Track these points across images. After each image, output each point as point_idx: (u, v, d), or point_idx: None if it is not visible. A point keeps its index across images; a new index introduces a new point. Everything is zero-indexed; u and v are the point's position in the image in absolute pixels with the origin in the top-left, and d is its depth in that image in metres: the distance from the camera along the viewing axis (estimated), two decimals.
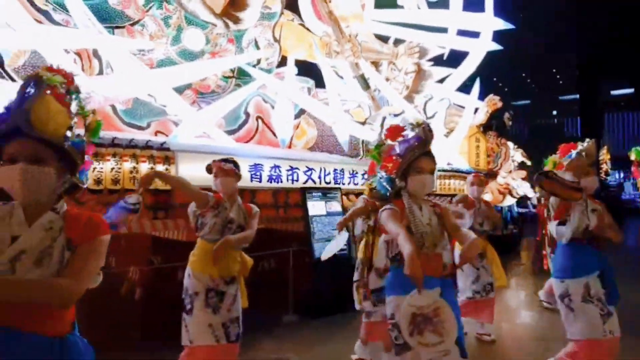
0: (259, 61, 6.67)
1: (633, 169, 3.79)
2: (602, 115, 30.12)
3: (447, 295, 2.13)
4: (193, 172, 4.45)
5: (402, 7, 7.11)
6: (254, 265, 3.24)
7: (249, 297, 3.18)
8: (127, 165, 4.18)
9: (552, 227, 3.15)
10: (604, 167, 21.23)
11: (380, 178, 2.40)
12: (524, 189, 11.10)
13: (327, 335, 4.63)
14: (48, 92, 1.40)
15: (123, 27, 5.60)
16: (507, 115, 11.79)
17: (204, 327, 2.82)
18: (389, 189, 2.36)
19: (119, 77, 4.87)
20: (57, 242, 1.38)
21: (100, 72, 5.19)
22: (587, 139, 3.48)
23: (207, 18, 6.12)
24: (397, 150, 2.31)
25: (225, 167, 3.15)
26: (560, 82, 29.82)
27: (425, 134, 2.28)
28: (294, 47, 7.00)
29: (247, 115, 6.04)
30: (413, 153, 2.25)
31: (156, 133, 5.42)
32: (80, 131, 1.54)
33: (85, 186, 1.56)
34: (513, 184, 10.68)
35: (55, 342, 1.32)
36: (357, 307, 3.84)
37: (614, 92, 29.90)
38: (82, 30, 4.63)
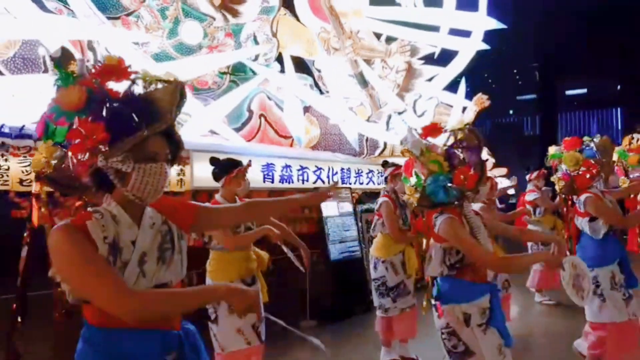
0: (256, 57, 6.45)
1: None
2: (557, 115, 31.58)
3: (495, 300, 2.21)
4: (208, 172, 4.22)
5: (399, 4, 7.05)
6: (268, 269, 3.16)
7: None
8: None
9: (582, 223, 3.21)
10: None
11: (444, 186, 2.20)
12: (503, 185, 11.38)
13: (348, 338, 4.52)
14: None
15: (117, 18, 5.24)
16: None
17: (232, 333, 2.77)
18: (455, 198, 2.20)
19: None
20: (169, 235, 1.39)
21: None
22: (599, 135, 3.54)
23: (206, 10, 5.84)
24: (468, 159, 2.23)
25: (248, 168, 3.00)
26: (520, 82, 31.07)
27: (480, 140, 2.24)
28: (291, 43, 6.81)
29: (251, 112, 5.82)
30: (484, 163, 2.23)
31: None
32: None
33: None
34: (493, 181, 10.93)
35: (181, 335, 1.40)
36: (376, 304, 3.91)
37: (569, 92, 31.48)
38: (82, 19, 4.26)
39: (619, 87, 28.86)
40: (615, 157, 4.48)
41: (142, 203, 1.34)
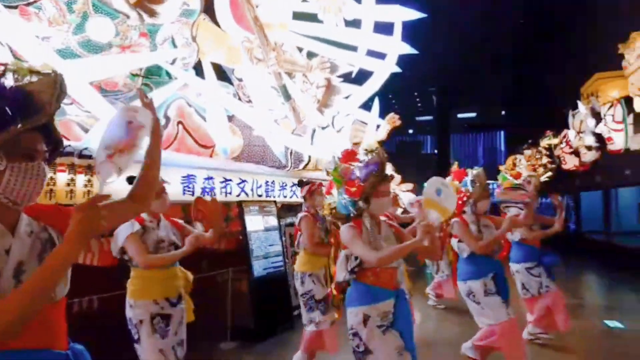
0: (174, 61, 6.07)
1: (497, 190, 4.73)
2: (449, 136, 34.50)
3: (400, 306, 2.38)
4: (119, 183, 3.81)
5: (321, 21, 7.15)
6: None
7: None
8: None
9: (453, 242, 3.70)
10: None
11: (343, 200, 2.51)
12: (409, 199, 12.07)
13: (272, 358, 4.34)
14: None
15: (15, 7, 4.58)
16: None
17: (155, 355, 2.72)
18: (352, 210, 2.49)
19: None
20: (50, 243, 1.28)
21: None
22: (476, 168, 4.00)
23: (120, 7, 5.33)
24: (359, 175, 2.45)
25: (164, 185, 2.94)
26: (419, 104, 33.49)
27: (382, 159, 2.46)
28: (211, 49, 6.53)
29: (167, 119, 5.42)
30: (375, 178, 2.42)
31: None
32: None
33: None
34: (400, 195, 11.54)
35: (69, 355, 1.27)
36: (305, 320, 3.97)
37: (460, 116, 34.71)
38: None
39: (503, 112, 32.49)
40: (500, 180, 5.29)
41: (17, 207, 1.23)
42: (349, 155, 2.59)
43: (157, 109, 5.28)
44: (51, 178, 3.42)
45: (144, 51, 5.66)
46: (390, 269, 2.41)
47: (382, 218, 2.58)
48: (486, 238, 3.51)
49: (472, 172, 3.83)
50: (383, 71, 8.50)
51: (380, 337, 2.29)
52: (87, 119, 4.79)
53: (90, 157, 3.72)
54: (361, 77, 8.80)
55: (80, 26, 5.12)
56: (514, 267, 4.60)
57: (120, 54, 5.42)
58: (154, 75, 6.01)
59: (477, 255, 3.54)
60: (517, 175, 5.62)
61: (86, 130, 4.63)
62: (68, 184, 3.50)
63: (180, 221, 3.06)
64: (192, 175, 4.63)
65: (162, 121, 5.38)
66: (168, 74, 5.92)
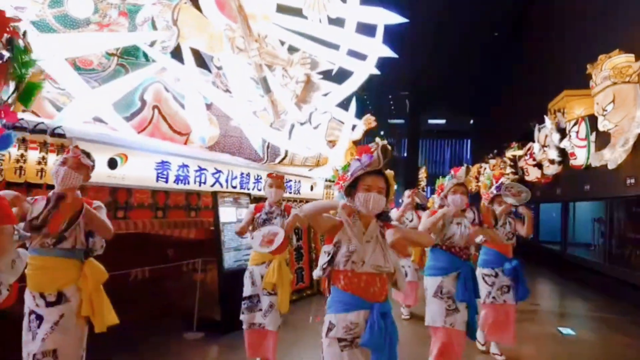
0: (153, 43, 5.90)
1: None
2: (419, 140, 35.17)
3: (375, 322, 2.04)
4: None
5: (306, 17, 7.12)
6: (154, 277, 2.90)
7: (145, 313, 2.84)
8: (14, 152, 3.21)
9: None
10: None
11: (338, 195, 2.50)
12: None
13: (237, 351, 4.31)
14: None
15: None
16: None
17: (25, 355, 2.37)
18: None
19: None
20: None
21: None
22: (464, 165, 4.07)
23: None
24: (351, 169, 2.35)
25: (83, 161, 2.60)
26: (392, 107, 33.90)
27: (377, 154, 2.28)
28: (192, 35, 6.39)
29: (143, 102, 5.27)
30: (361, 171, 2.26)
31: (24, 112, 4.34)
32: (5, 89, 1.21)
33: None
34: None
35: None
36: None
37: (431, 122, 35.44)
38: None
39: (471, 121, 33.38)
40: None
41: None
42: (364, 150, 2.46)
43: (132, 91, 5.17)
44: (22, 155, 3.27)
45: (123, 31, 5.50)
46: (363, 274, 2.13)
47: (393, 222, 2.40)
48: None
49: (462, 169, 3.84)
50: (363, 72, 8.56)
51: (336, 353, 2.04)
52: (59, 96, 4.60)
53: (63, 136, 3.58)
54: (340, 75, 8.83)
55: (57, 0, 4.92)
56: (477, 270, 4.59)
57: (98, 32, 5.24)
58: (130, 55, 5.83)
59: (434, 250, 3.57)
60: (499, 177, 5.64)
61: (58, 108, 4.44)
62: (39, 162, 3.35)
63: (96, 202, 2.67)
64: (166, 162, 4.53)
65: (137, 104, 5.23)
66: (145, 55, 5.77)
